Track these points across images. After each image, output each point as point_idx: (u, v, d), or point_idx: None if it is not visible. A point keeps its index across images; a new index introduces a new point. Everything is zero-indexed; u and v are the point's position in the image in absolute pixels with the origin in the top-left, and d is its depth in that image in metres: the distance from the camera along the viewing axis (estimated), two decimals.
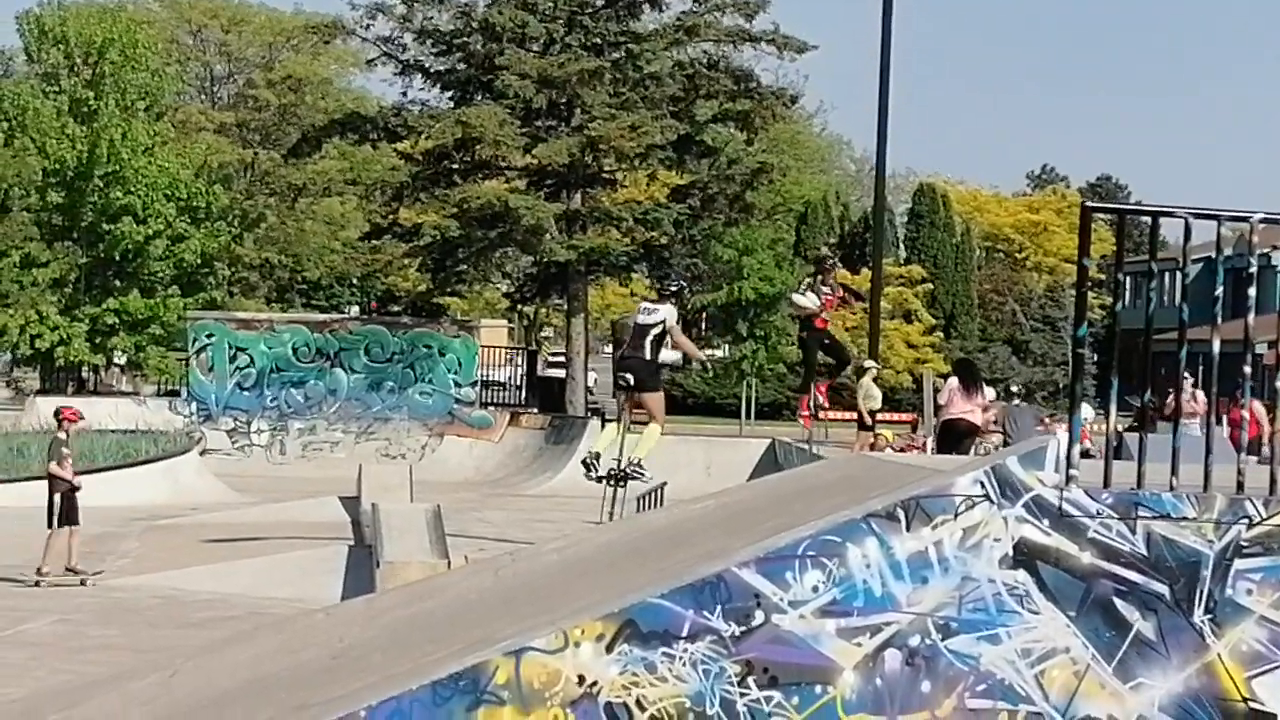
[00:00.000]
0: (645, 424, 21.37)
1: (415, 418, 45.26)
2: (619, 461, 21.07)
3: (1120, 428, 19.80)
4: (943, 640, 7.85)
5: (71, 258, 52.41)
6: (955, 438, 22.64)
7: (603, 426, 46.18)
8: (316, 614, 11.28)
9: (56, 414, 25.90)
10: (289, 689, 8.50)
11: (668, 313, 20.45)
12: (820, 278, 27.26)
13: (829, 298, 26.87)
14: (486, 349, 49.01)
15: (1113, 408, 8.72)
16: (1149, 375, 8.07)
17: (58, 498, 23.64)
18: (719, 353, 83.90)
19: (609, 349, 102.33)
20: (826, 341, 27.63)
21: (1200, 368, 26.95)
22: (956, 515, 7.94)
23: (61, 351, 51.36)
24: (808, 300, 26.55)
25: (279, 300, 71.84)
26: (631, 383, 20.35)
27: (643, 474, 21.05)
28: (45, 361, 53.61)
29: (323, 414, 45.71)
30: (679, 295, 22.17)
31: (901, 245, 78.09)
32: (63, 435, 24.66)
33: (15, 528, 27.43)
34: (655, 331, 20.21)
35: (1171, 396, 23.79)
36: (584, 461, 21.85)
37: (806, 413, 29.95)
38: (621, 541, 10.27)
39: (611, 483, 21.23)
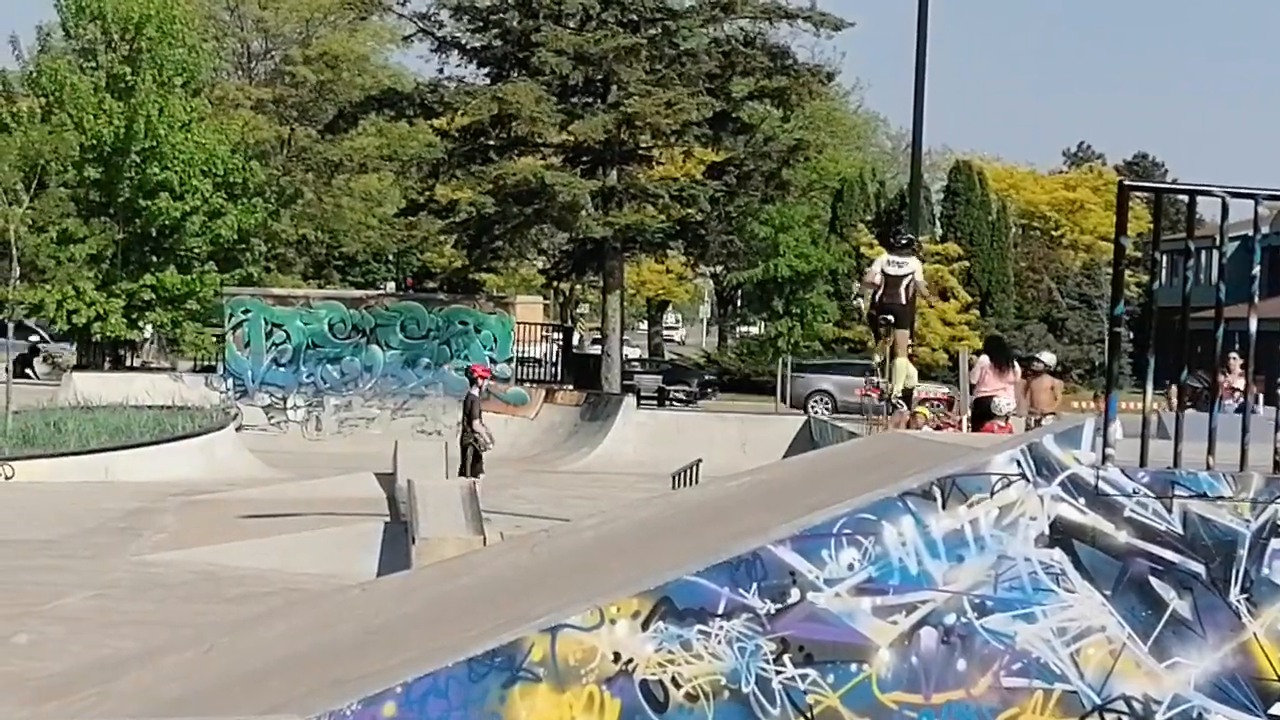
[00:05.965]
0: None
1: (451, 394, 45.29)
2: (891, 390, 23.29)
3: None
4: (978, 619, 7.84)
5: (109, 233, 52.46)
6: (988, 416, 22.71)
7: (638, 403, 46.40)
8: (352, 590, 11.31)
9: (469, 372, 28.20)
10: (324, 665, 8.53)
11: (915, 265, 22.58)
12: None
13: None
14: (522, 325, 49.06)
15: (1149, 386, 8.68)
16: (1186, 354, 8.03)
17: (469, 452, 26.12)
18: (754, 329, 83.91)
19: (644, 325, 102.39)
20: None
21: (1236, 346, 26.87)
22: (992, 494, 7.92)
23: (98, 327, 51.46)
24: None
25: (315, 276, 71.82)
26: (894, 321, 22.39)
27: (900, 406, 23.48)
28: (82, 337, 53.71)
29: (358, 390, 45.84)
30: (913, 246, 23.89)
31: (937, 223, 77.80)
32: (476, 392, 26.85)
33: (53, 502, 27.58)
34: (907, 280, 22.18)
35: (1225, 376, 23.77)
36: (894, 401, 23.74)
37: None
38: (658, 519, 10.26)
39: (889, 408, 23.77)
